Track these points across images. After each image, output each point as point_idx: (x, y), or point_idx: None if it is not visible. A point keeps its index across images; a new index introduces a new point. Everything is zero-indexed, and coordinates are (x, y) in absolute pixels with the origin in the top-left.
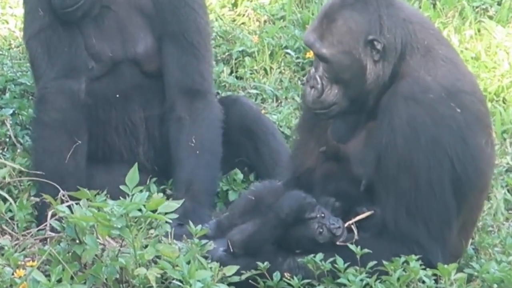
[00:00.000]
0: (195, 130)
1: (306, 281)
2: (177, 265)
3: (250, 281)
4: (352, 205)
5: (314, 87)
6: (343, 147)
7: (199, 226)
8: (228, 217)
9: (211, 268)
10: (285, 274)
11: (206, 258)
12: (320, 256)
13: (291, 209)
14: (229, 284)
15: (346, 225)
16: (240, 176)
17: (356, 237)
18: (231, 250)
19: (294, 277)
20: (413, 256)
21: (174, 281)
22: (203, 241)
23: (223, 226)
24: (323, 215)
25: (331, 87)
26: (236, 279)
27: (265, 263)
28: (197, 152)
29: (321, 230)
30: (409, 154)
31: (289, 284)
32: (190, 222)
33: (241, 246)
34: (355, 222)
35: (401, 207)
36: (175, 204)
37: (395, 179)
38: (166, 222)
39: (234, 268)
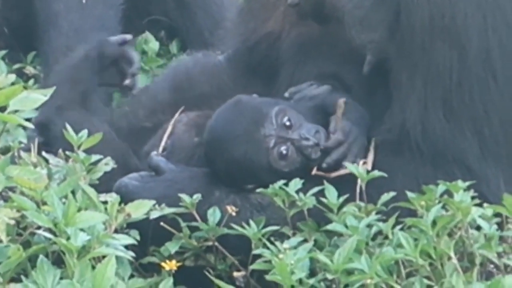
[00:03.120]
0: None
1: (269, 228)
2: (45, 203)
3: (162, 224)
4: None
5: None
6: None
7: (85, 132)
8: (127, 116)
9: (105, 204)
10: (229, 208)
11: (98, 189)
12: (296, 183)
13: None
14: (131, 224)
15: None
16: (154, 45)
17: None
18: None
19: (250, 222)
20: (461, 183)
21: (39, 231)
22: (94, 157)
23: (121, 128)
24: (288, 122)
25: None
26: (139, 217)
27: (195, 196)
28: (82, 1)
29: (284, 150)
30: (450, 5)
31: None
32: (68, 126)
33: None
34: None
35: (434, 102)
36: (40, 96)
37: (426, 50)
38: (23, 126)
39: (145, 205)
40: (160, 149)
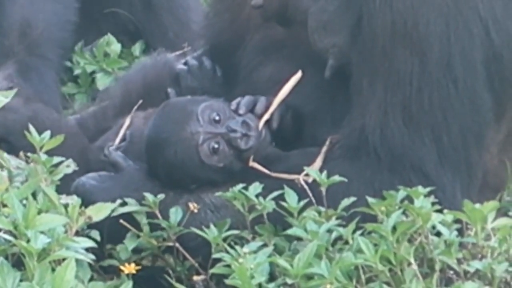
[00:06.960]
0: None
1: (230, 233)
2: (5, 206)
3: (121, 221)
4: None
5: None
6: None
7: (47, 133)
8: (96, 115)
9: (66, 207)
10: (191, 205)
11: (59, 191)
12: (256, 187)
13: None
14: (91, 225)
15: (262, 122)
16: (116, 47)
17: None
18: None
19: (211, 225)
20: (421, 189)
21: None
22: (55, 159)
23: (88, 128)
24: (217, 117)
25: None
26: (101, 215)
27: (159, 195)
28: None
29: (215, 144)
30: (412, 12)
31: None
32: (31, 127)
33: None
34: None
35: (394, 107)
36: (1, 98)
37: (387, 55)
38: None
39: (106, 208)
40: (118, 140)
